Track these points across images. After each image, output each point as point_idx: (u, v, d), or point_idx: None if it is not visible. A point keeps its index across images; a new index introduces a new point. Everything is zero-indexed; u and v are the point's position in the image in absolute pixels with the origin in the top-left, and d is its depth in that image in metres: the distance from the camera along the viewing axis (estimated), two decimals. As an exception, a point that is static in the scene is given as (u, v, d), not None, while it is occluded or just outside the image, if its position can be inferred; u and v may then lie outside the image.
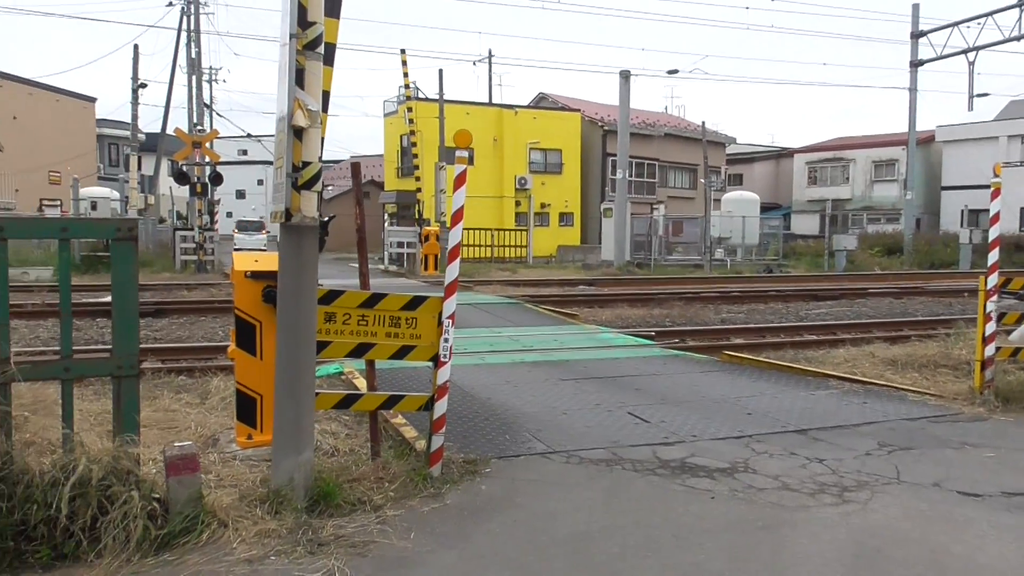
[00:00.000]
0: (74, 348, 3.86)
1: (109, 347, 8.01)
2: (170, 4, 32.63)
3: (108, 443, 3.80)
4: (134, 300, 3.76)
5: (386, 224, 31.64)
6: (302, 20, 3.72)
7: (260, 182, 69.86)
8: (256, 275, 4.59)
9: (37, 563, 3.49)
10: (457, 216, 4.62)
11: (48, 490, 3.52)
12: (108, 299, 14.49)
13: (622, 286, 21.28)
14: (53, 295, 15.07)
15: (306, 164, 3.91)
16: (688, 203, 42.73)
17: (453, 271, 4.67)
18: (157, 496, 3.75)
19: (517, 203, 38.93)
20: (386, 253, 27.28)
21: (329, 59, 3.88)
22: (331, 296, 4.55)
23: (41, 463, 3.63)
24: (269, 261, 4.62)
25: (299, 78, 3.75)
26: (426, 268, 24.35)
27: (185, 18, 31.21)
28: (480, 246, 32.97)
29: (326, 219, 4.29)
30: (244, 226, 45.23)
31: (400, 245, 26.95)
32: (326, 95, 3.93)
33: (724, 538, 3.93)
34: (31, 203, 35.09)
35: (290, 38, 3.71)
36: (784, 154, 54.46)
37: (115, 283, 3.74)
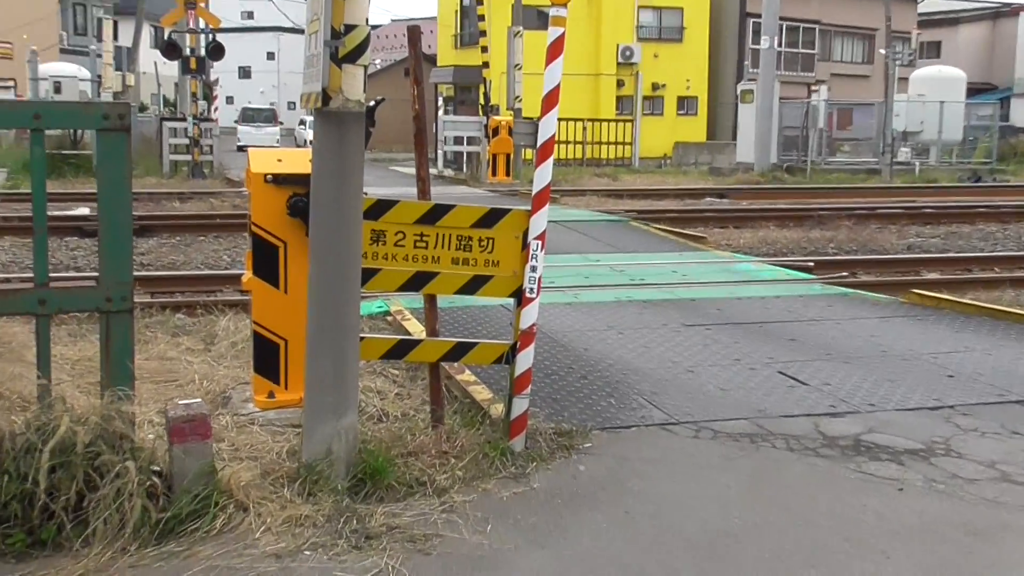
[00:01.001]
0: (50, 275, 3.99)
1: (85, 274, 8.23)
2: None
3: (95, 399, 3.94)
4: (127, 211, 3.84)
5: (440, 112, 31.74)
6: None
7: (271, 55, 70.57)
8: (280, 179, 4.64)
9: (8, 551, 3.65)
10: (551, 99, 4.56)
11: (22, 457, 3.67)
12: (80, 211, 14.96)
13: (767, 198, 20.92)
14: (8, 205, 15.66)
15: (350, 28, 3.88)
16: (861, 83, 41.45)
17: (544, 175, 4.64)
18: (158, 469, 3.89)
19: (619, 83, 38.41)
20: (439, 152, 27.45)
21: None
22: (380, 208, 4.58)
23: (12, 422, 3.79)
24: (297, 160, 4.66)
25: (338, -94, 3.71)
26: (494, 173, 24.36)
27: None
28: (568, 143, 32.77)
29: (373, 103, 4.28)
30: (250, 116, 45.93)
31: (459, 141, 27.05)
32: (373, -70, 3.88)
33: (917, 545, 3.89)
34: (-25, 84, 36.25)
35: None
36: (1004, 12, 51.95)
37: (102, 188, 3.82)
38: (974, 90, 40.41)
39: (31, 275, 3.98)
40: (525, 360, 4.71)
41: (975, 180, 27.74)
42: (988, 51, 51.72)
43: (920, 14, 46.50)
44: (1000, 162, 32.19)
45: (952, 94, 32.87)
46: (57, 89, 30.64)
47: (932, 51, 49.84)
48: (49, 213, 3.98)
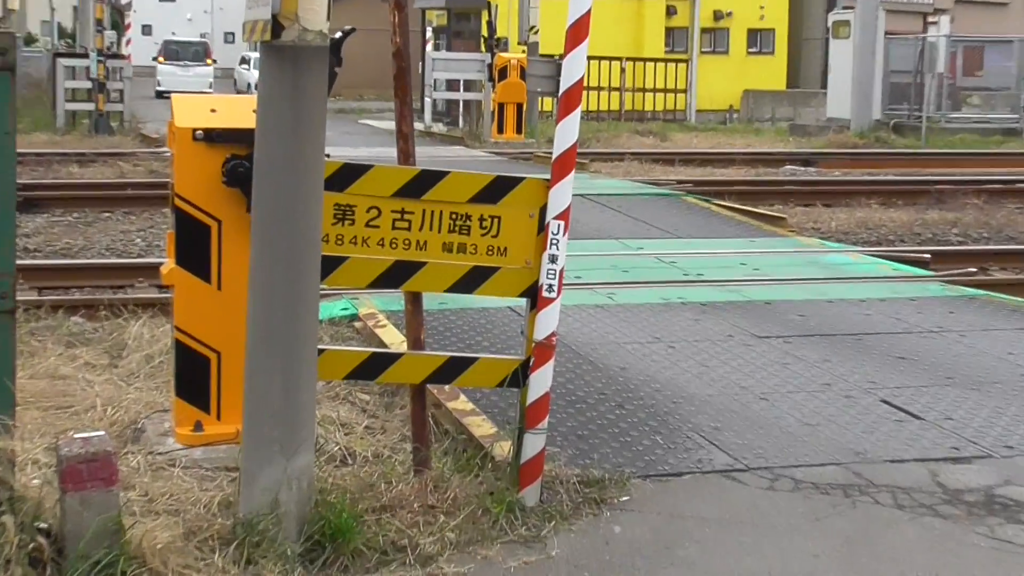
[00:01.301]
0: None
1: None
2: None
3: (-39, 431, 3.90)
4: (9, 178, 3.80)
5: (428, 48, 31.67)
6: None
7: (203, -29, 70.52)
8: (214, 136, 4.63)
9: None
10: (578, 31, 4.51)
11: None
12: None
13: (867, 167, 20.81)
14: None
15: (308, -67, 3.87)
16: (996, 13, 41.30)
17: (569, 132, 4.59)
18: (45, 527, 3.85)
19: (670, 10, 38.38)
20: (427, 100, 27.41)
21: None
22: (347, 175, 4.54)
23: None
24: (237, 111, 4.66)
25: None
26: (501, 129, 24.29)
27: None
28: (602, 90, 32.72)
29: (340, 35, 4.26)
30: (174, 52, 45.86)
31: (453, 86, 27.05)
32: None
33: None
34: None
35: None
36: None
37: (-27, 147, 3.79)
38: None
39: None
40: (541, 382, 4.66)
41: None
42: None
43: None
44: None
45: (1119, 28, 32.63)
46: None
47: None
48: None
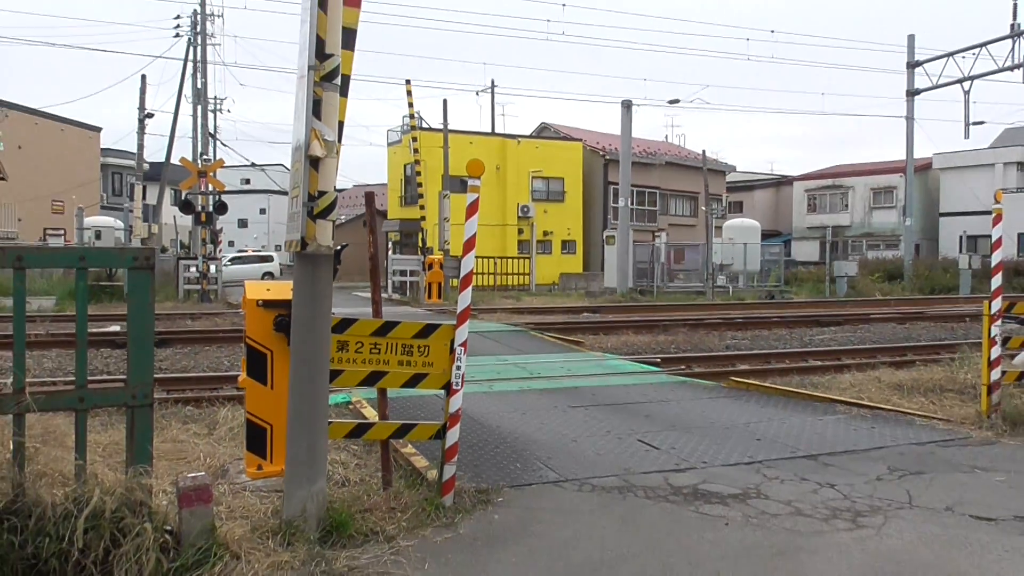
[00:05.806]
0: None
1: (115, 377, 7.93)
2: (177, 36, 33.03)
3: (120, 475, 3.77)
4: (150, 329, 3.75)
5: (389, 252, 31.72)
6: (320, 52, 3.76)
7: (263, 211, 69.96)
8: (268, 304, 4.58)
9: (46, 598, 3.41)
10: (469, 244, 4.62)
11: (61, 523, 3.48)
12: (112, 328, 14.43)
13: (626, 313, 21.20)
14: (57, 324, 15.07)
15: (322, 193, 3.92)
16: (689, 231, 42.79)
17: (465, 298, 4.66)
18: (169, 528, 3.72)
19: (520, 231, 38.99)
20: (389, 281, 27.38)
21: (344, 90, 3.91)
22: (344, 324, 4.54)
23: (53, 495, 3.59)
24: (281, 290, 4.62)
25: (316, 109, 3.78)
26: (430, 296, 24.29)
27: (192, 49, 31.55)
28: (484, 274, 32.92)
29: (339, 247, 4.30)
30: (239, 259, 44.11)
31: (403, 273, 27.05)
32: (341, 125, 3.96)
33: (740, 564, 3.89)
34: (35, 232, 35.25)
35: (308, 70, 3.74)
36: (784, 182, 54.64)
37: (131, 312, 3.74)
38: (766, 235, 42.10)
39: (73, 378, 3.82)
40: (453, 436, 4.64)
41: (770, 298, 28.58)
42: (775, 208, 54.13)
43: (728, 183, 48.40)
44: (786, 285, 33.29)
45: (752, 238, 34.14)
46: (98, 236, 29.77)
47: (737, 208, 51.94)
48: (88, 330, 3.84)
